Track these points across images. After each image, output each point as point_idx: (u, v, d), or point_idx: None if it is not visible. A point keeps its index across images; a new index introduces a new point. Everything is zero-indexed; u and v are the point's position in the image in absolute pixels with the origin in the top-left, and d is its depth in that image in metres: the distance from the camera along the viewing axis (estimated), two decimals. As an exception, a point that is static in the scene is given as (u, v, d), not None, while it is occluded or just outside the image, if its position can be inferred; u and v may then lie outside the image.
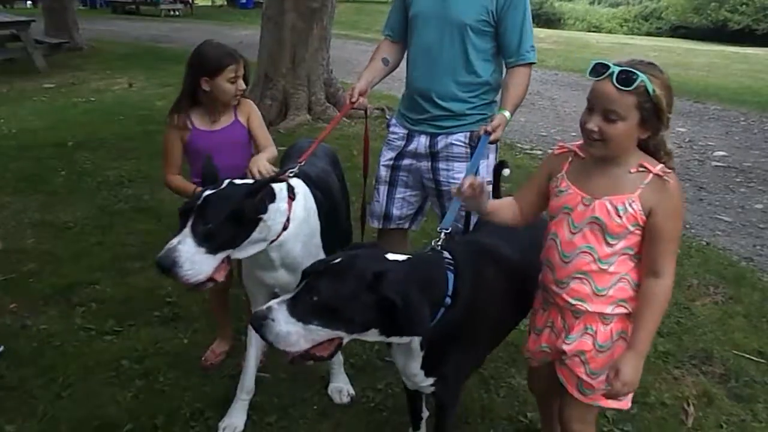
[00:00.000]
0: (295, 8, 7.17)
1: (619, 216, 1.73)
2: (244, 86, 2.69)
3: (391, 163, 2.94)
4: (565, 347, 1.90)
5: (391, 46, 2.96)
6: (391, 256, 1.80)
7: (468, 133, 2.77)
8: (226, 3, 28.78)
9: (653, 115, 1.67)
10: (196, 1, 27.14)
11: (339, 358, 2.81)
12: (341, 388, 2.81)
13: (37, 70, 10.36)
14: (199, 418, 2.65)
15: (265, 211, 2.09)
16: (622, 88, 1.63)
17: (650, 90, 1.64)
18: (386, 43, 2.97)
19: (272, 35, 7.37)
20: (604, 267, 1.80)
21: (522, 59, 2.70)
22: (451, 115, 2.76)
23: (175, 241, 1.95)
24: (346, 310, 1.64)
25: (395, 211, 2.99)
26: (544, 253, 1.96)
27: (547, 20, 30.49)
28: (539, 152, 7.19)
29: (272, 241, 2.19)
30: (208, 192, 2.03)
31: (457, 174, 2.78)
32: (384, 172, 2.96)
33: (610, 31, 29.01)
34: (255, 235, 2.10)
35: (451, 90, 2.73)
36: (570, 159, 1.90)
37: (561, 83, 12.05)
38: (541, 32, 22.70)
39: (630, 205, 1.72)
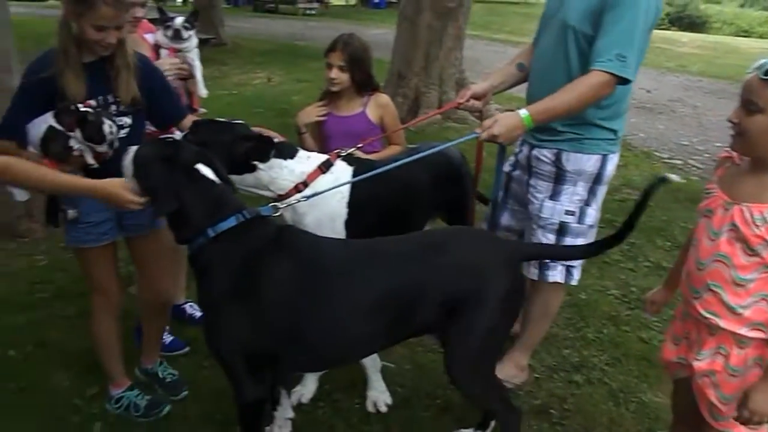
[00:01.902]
0: (432, 7, 7.23)
1: (756, 225, 1.63)
2: (333, 75, 2.88)
3: (508, 170, 2.82)
4: (695, 364, 1.81)
5: (532, 51, 2.77)
6: (207, 172, 2.00)
7: (557, 151, 2.51)
8: (359, 2, 29.45)
9: None
10: (330, 1, 27.98)
11: (376, 364, 2.75)
12: (376, 397, 2.74)
13: (186, 63, 11.10)
14: (326, 398, 2.76)
15: (262, 159, 2.41)
16: (763, 77, 1.57)
17: None
18: (530, 47, 2.80)
19: (407, 34, 7.47)
20: (740, 282, 1.68)
21: (596, 65, 2.22)
22: (544, 128, 2.46)
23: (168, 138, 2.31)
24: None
25: (503, 221, 2.86)
26: (686, 260, 1.89)
27: (691, 23, 28.76)
28: (678, 161, 6.82)
29: (281, 198, 2.41)
30: (216, 119, 2.46)
31: (538, 194, 2.59)
32: (502, 178, 2.83)
33: (761, 36, 26.94)
34: (249, 177, 2.45)
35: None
36: (727, 165, 1.83)
37: (705, 90, 11.36)
38: (683, 36, 21.49)
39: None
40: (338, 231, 2.48)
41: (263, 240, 1.99)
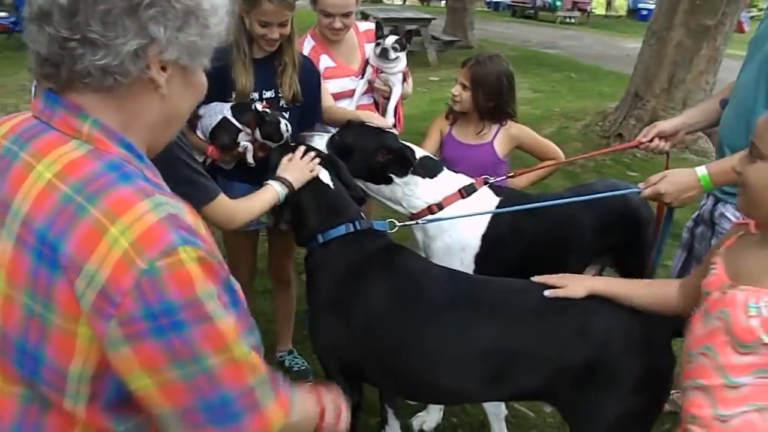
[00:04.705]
0: (686, 24, 6.49)
1: (750, 317, 1.29)
2: (455, 92, 2.66)
3: (690, 225, 2.38)
4: None
5: None
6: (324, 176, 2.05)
7: None
8: (628, 13, 27.85)
9: None
10: (593, 10, 26.84)
11: (498, 411, 2.47)
12: None
13: (428, 63, 11.43)
14: None
15: (399, 174, 2.30)
16: None
17: None
18: None
19: (653, 51, 6.81)
20: (730, 384, 1.35)
21: None
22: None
23: (318, 133, 2.41)
24: None
25: None
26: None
27: None
28: None
29: (414, 217, 2.30)
30: (368, 124, 2.43)
31: None
32: (685, 235, 2.41)
33: None
34: (385, 190, 2.36)
35: (743, 143, 2.00)
36: (741, 233, 1.48)
37: None
38: None
39: (763, 303, 1.28)
40: (467, 263, 2.28)
41: (367, 255, 1.94)
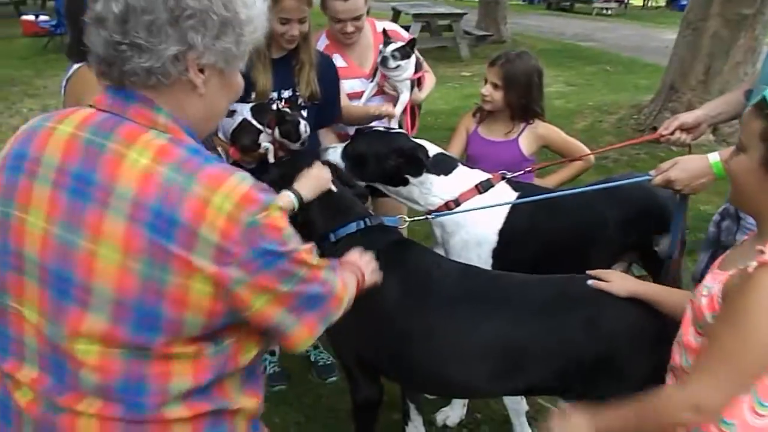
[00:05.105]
0: (722, 13, 6.33)
1: (701, 295, 1.33)
2: (485, 92, 2.64)
3: (717, 219, 2.32)
4: None
5: None
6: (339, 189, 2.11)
7: None
8: (664, 4, 27.26)
9: None
10: (631, 1, 26.33)
11: (518, 407, 2.47)
12: None
13: (460, 58, 11.36)
14: (475, 428, 2.66)
15: (414, 174, 2.32)
16: (753, 105, 1.29)
17: None
18: None
19: (688, 42, 6.67)
20: (686, 367, 1.36)
21: None
22: None
23: (332, 146, 2.46)
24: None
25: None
26: None
27: None
28: None
29: (432, 213, 2.33)
30: (377, 128, 2.50)
31: None
32: (712, 229, 2.35)
33: None
34: (402, 190, 2.39)
35: None
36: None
37: None
38: None
39: (715, 284, 1.29)
40: (484, 258, 2.29)
41: (378, 251, 1.92)
